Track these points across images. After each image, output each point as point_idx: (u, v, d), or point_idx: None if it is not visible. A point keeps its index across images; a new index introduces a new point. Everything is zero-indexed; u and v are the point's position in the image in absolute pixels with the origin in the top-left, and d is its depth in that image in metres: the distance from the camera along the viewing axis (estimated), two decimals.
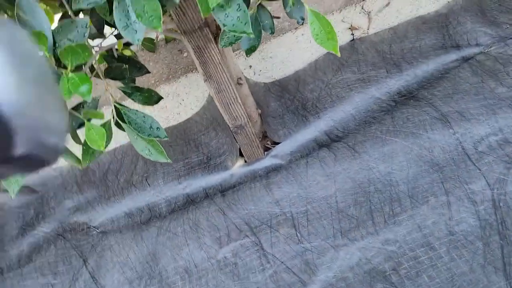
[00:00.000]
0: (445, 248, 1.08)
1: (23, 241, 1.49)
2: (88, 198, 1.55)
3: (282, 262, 1.18)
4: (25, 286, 1.37)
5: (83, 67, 0.83)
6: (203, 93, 1.69)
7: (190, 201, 1.44)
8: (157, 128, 1.09)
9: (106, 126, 0.98)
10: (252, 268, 1.20)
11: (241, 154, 1.49)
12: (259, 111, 1.47)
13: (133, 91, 1.04)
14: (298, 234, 1.23)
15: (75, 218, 1.52)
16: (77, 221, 1.51)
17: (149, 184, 1.51)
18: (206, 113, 1.63)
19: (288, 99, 1.56)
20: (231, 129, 1.34)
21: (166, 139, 1.03)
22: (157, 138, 1.07)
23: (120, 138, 1.54)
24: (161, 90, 1.78)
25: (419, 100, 1.40)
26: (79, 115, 1.00)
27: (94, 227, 1.48)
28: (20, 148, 0.21)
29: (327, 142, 1.43)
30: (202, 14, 0.71)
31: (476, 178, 1.17)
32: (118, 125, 1.04)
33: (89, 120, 0.92)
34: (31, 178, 1.61)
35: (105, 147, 0.95)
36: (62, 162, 1.64)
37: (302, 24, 1.32)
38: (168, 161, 1.07)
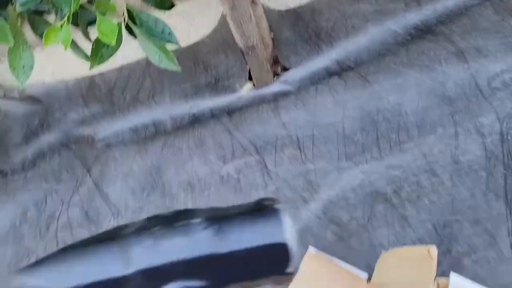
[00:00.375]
0: (448, 175, 1.09)
1: (27, 148, 1.50)
2: (93, 112, 1.55)
3: (285, 180, 1.19)
4: (29, 190, 1.39)
5: None
6: (215, 15, 1.65)
7: (196, 120, 1.43)
8: (169, 33, 1.07)
9: (117, 25, 0.95)
10: (254, 184, 1.21)
11: (250, 78, 1.47)
12: (272, 34, 1.44)
13: None
14: (303, 156, 1.23)
15: (80, 130, 1.52)
16: (82, 133, 1.51)
17: (155, 102, 1.50)
18: (217, 35, 1.59)
19: (302, 27, 1.52)
20: (242, 49, 1.31)
21: (176, 45, 1.01)
22: (168, 43, 1.05)
23: (128, 53, 1.52)
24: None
25: (436, 35, 1.37)
26: (91, 9, 0.97)
27: (98, 139, 1.48)
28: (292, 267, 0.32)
29: (339, 71, 1.41)
30: None
31: (486, 112, 1.16)
32: (129, 30, 1.01)
33: (102, 14, 0.90)
34: (36, 89, 1.60)
35: (116, 44, 0.93)
36: (68, 75, 1.62)
37: None
38: (178, 69, 1.06)
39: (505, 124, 1.13)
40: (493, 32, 1.31)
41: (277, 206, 0.31)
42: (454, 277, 0.76)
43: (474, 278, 0.85)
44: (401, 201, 1.08)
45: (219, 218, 0.29)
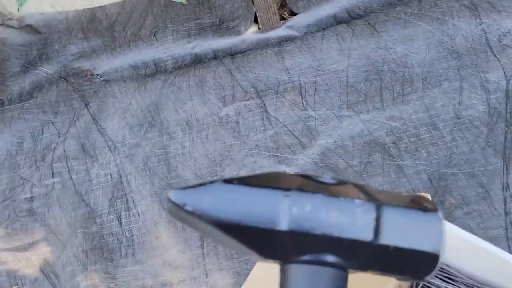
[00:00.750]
0: (449, 129, 1.08)
1: (25, 78, 1.47)
2: (93, 47, 1.51)
3: (284, 125, 1.18)
4: (26, 120, 1.37)
5: None
6: None
7: (198, 61, 1.41)
8: None
9: None
10: (253, 127, 1.20)
11: (255, 21, 1.43)
12: None
13: None
14: (304, 102, 1.21)
15: (79, 64, 1.49)
16: (81, 67, 1.48)
17: (157, 40, 1.47)
18: None
19: None
20: None
21: None
22: None
23: None
24: None
25: None
26: None
27: (97, 74, 1.46)
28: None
29: (347, 19, 1.37)
30: None
31: (494, 69, 1.14)
32: None
33: None
34: (35, 18, 1.55)
35: None
36: (68, 7, 1.57)
37: None
38: (183, 1, 1.02)
39: (511, 82, 1.11)
40: None
41: (439, 213, 0.29)
42: (447, 226, 0.76)
43: (465, 229, 0.85)
44: (399, 152, 1.07)
45: (378, 204, 0.28)
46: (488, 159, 1.01)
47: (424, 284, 0.82)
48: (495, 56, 1.17)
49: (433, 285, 0.80)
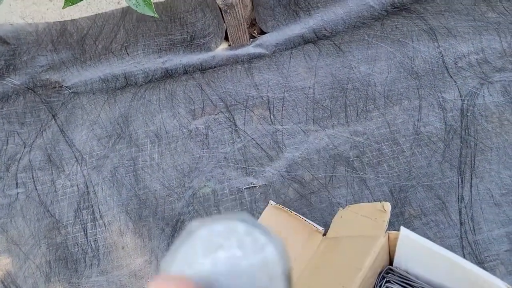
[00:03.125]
0: (408, 144, 1.13)
1: None
2: (63, 59, 1.51)
3: (253, 139, 1.21)
4: None
5: None
6: None
7: (169, 75, 1.43)
8: None
9: None
10: (222, 140, 1.22)
11: (226, 39, 1.47)
12: None
13: None
14: (272, 117, 1.25)
15: (47, 75, 1.48)
16: (49, 79, 1.48)
17: (128, 54, 1.48)
18: None
19: None
20: (220, 7, 1.31)
21: None
22: None
23: (103, 5, 1.48)
24: None
25: (411, 12, 1.41)
26: None
27: (66, 87, 1.45)
28: None
29: (314, 39, 1.43)
30: None
31: (450, 89, 1.21)
32: None
33: None
34: (4, 29, 1.54)
35: None
36: (37, 19, 1.57)
37: None
38: (155, 16, 1.05)
39: (466, 102, 1.18)
40: (463, 15, 1.36)
41: None
42: (404, 231, 0.80)
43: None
44: (362, 165, 1.11)
45: None
46: (445, 173, 1.06)
47: None
48: (451, 77, 1.24)
49: None
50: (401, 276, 0.86)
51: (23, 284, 1.03)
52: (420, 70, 1.27)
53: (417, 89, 1.23)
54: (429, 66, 1.28)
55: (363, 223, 0.88)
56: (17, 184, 1.21)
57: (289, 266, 0.23)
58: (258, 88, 1.32)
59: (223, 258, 0.21)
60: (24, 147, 1.30)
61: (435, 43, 1.31)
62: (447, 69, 1.26)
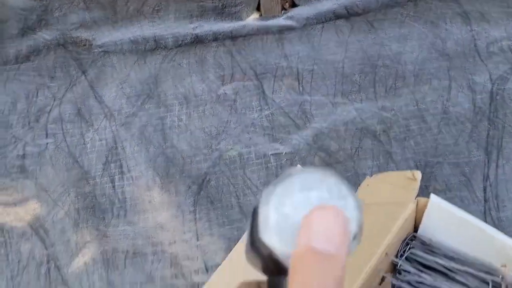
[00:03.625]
0: (436, 123, 1.14)
1: (22, 41, 1.47)
2: (94, 18, 1.52)
3: (281, 107, 1.22)
4: (21, 81, 1.37)
5: None
6: None
7: (199, 41, 1.43)
8: None
9: None
10: (250, 106, 1.24)
11: (257, 9, 1.47)
12: None
13: None
14: (301, 87, 1.26)
15: (78, 33, 1.50)
16: (80, 37, 1.49)
17: (159, 17, 1.49)
18: None
19: None
20: None
21: None
22: None
23: None
24: None
25: None
26: None
27: (97, 45, 1.46)
28: None
29: (345, 15, 1.43)
30: None
31: (481, 72, 1.22)
32: None
33: None
34: None
35: None
36: None
37: None
38: None
39: (496, 85, 1.19)
40: (498, 1, 1.36)
41: None
42: (434, 198, 0.81)
43: None
44: (388, 139, 1.13)
45: None
46: (471, 152, 1.08)
47: (408, 255, 0.87)
48: (482, 61, 1.24)
49: (417, 256, 0.85)
50: (425, 243, 0.87)
51: (51, 228, 1.06)
52: (452, 52, 1.28)
53: (448, 70, 1.24)
54: (460, 48, 1.28)
55: (392, 191, 0.90)
56: (47, 134, 1.24)
57: (362, 220, 0.25)
58: (288, 59, 1.33)
59: (314, 196, 0.24)
60: (54, 100, 1.33)
61: (468, 27, 1.31)
62: (478, 53, 1.26)
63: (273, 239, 0.25)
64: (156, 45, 1.45)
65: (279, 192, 0.25)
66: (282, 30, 1.40)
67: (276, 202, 0.26)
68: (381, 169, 1.08)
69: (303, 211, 0.24)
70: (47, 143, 1.22)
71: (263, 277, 0.32)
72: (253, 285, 0.33)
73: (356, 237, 0.25)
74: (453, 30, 1.31)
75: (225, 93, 1.28)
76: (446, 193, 1.02)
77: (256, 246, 0.27)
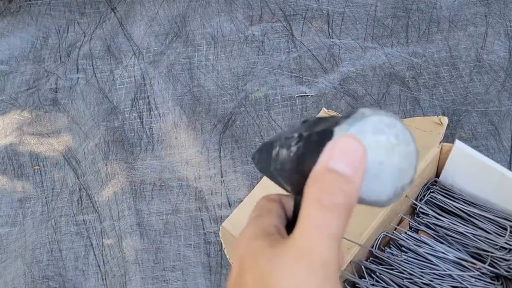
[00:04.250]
0: (468, 70, 1.11)
1: None
2: None
3: (309, 50, 1.21)
4: (52, 16, 1.38)
5: None
6: None
7: None
8: None
9: None
10: (278, 48, 1.22)
11: None
12: None
13: None
14: (330, 30, 1.24)
15: None
16: None
17: None
18: None
19: None
20: None
21: None
22: None
23: None
24: None
25: None
26: None
27: None
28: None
29: None
30: None
31: None
32: None
33: None
34: None
35: None
36: None
37: None
38: None
39: None
40: None
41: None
42: (459, 143, 0.81)
43: None
44: (417, 86, 1.11)
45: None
46: (502, 101, 1.05)
47: (428, 199, 0.88)
48: None
49: (437, 200, 0.86)
50: (446, 188, 0.88)
51: (83, 159, 1.11)
52: None
53: (485, 16, 1.19)
54: None
55: (417, 135, 0.89)
56: (77, 69, 1.26)
57: (416, 170, 0.28)
58: (318, 1, 1.29)
59: (383, 139, 0.25)
60: (84, 36, 1.34)
61: None
62: None
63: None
64: None
65: (353, 131, 0.27)
66: None
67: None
68: (407, 115, 1.07)
69: (371, 153, 0.26)
70: (78, 78, 1.24)
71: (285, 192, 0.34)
72: (274, 198, 0.34)
73: (404, 187, 0.27)
74: None
75: (253, 34, 1.26)
76: (472, 141, 1.01)
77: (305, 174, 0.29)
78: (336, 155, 0.24)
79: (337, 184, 0.24)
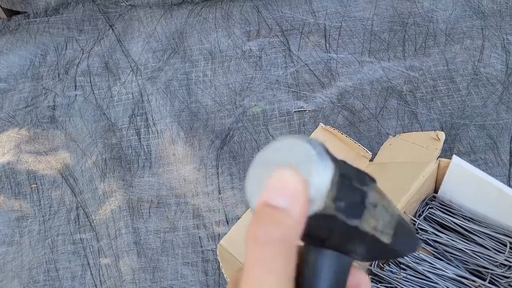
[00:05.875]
0: (465, 84, 1.11)
1: None
2: None
3: (306, 64, 1.21)
4: (51, 33, 1.39)
5: None
6: None
7: None
8: None
9: None
10: (275, 63, 1.23)
11: None
12: None
13: None
14: (327, 45, 1.24)
15: None
16: None
17: None
18: None
19: None
20: None
21: None
22: None
23: None
24: None
25: None
26: None
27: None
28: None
29: None
30: None
31: None
32: None
33: None
34: None
35: None
36: None
37: None
38: None
39: None
40: None
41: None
42: (456, 159, 0.81)
43: None
44: (414, 100, 1.11)
45: None
46: (500, 114, 1.05)
47: (427, 215, 0.87)
48: None
49: (435, 216, 0.86)
50: (444, 204, 0.87)
51: (80, 177, 1.11)
52: (487, 10, 1.22)
53: (482, 29, 1.19)
54: (497, 7, 1.22)
55: (414, 150, 0.89)
56: (75, 86, 1.27)
57: (326, 187, 0.25)
58: (315, 15, 1.30)
59: (283, 162, 0.25)
60: (82, 53, 1.35)
61: None
62: None
63: (248, 199, 0.27)
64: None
65: (262, 156, 0.27)
66: None
67: (255, 166, 0.28)
68: (405, 129, 1.07)
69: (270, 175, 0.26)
70: (76, 95, 1.25)
71: None
72: None
73: (314, 201, 0.25)
74: None
75: (251, 49, 1.27)
76: (470, 155, 1.00)
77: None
78: (271, 189, 0.24)
79: (272, 218, 0.23)
